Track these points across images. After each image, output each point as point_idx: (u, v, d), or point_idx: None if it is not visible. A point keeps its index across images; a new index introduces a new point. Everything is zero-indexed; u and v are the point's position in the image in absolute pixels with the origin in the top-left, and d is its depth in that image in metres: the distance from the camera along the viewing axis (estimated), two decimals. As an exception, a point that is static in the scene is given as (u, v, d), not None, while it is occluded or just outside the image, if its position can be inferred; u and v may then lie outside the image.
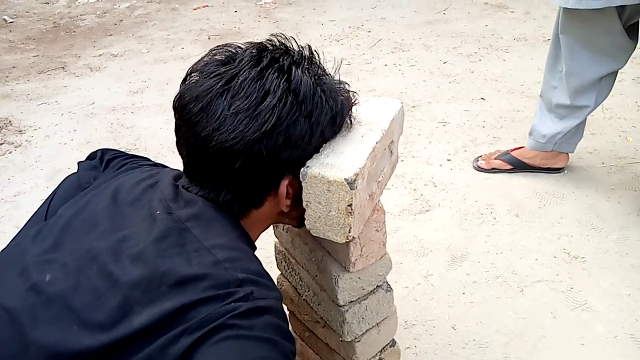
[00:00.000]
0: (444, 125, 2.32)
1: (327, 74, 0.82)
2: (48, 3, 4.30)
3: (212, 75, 0.74)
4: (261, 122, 0.71)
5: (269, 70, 0.74)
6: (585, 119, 1.83)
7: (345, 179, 0.76)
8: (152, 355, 0.60)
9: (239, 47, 0.79)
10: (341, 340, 1.03)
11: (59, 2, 4.31)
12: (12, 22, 3.92)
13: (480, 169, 2.01)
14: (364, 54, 3.09)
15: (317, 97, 0.76)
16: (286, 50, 0.79)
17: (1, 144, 2.31)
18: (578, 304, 1.44)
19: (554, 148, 1.89)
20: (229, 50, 0.78)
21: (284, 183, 0.78)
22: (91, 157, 1.04)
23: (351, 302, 1.00)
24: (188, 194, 0.79)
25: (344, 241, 0.83)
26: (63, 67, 3.10)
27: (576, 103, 1.78)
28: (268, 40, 0.80)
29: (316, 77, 0.78)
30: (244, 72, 0.73)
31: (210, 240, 0.71)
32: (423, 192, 1.91)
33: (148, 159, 1.04)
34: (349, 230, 0.82)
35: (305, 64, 0.78)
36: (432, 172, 2.02)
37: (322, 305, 1.05)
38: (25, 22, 3.90)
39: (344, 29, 3.46)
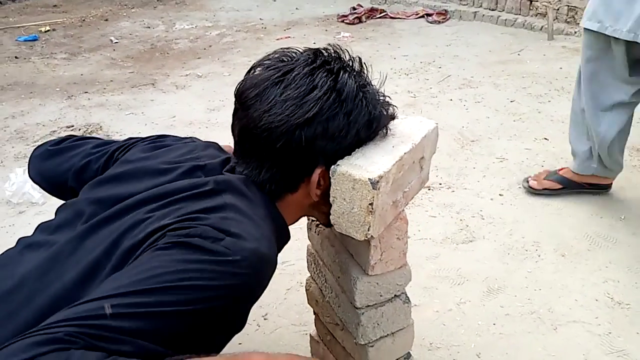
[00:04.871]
0: (501, 161, 2.32)
1: (372, 86, 0.92)
2: (149, 27, 4.77)
3: (270, 68, 0.88)
4: (305, 110, 0.83)
5: (320, 70, 0.86)
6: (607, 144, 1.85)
7: (369, 179, 0.84)
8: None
9: (298, 50, 0.92)
10: (356, 343, 1.09)
11: (158, 27, 4.76)
12: (116, 42, 4.38)
13: (532, 189, 2.05)
14: (431, 88, 3.15)
15: (359, 99, 0.87)
16: (338, 57, 0.90)
17: (91, 145, 2.59)
18: (615, 349, 1.39)
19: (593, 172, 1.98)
20: (290, 51, 0.91)
21: (317, 172, 0.88)
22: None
23: (368, 306, 1.05)
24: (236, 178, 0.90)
25: (362, 238, 0.90)
26: (153, 84, 3.43)
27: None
28: (324, 47, 0.92)
29: (360, 84, 0.89)
30: (298, 68, 0.86)
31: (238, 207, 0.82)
32: (469, 223, 1.92)
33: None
34: (368, 229, 0.89)
35: (354, 72, 0.90)
36: (481, 204, 2.02)
37: (342, 307, 1.11)
38: (127, 43, 4.35)
39: (415, 64, 3.55)
